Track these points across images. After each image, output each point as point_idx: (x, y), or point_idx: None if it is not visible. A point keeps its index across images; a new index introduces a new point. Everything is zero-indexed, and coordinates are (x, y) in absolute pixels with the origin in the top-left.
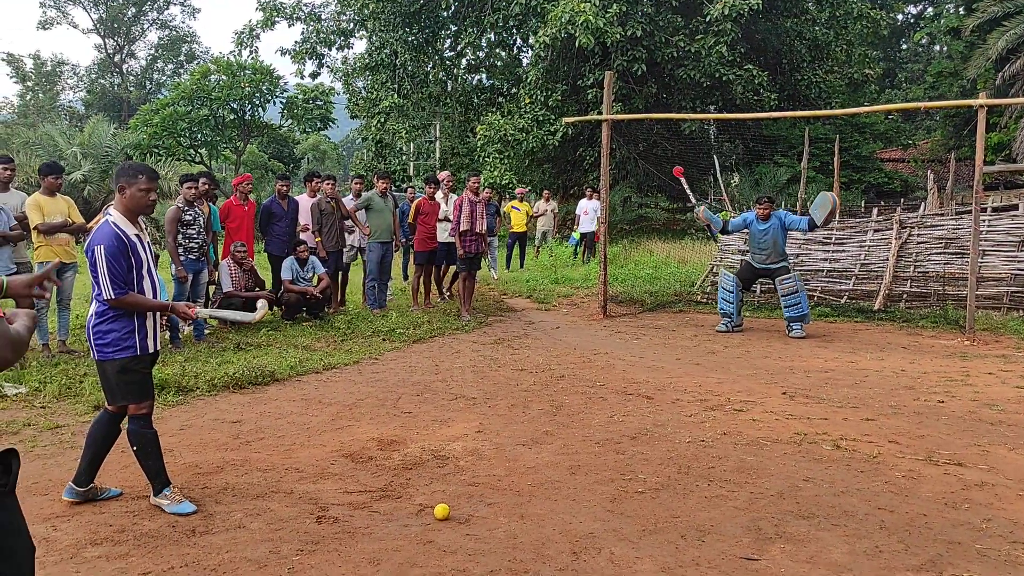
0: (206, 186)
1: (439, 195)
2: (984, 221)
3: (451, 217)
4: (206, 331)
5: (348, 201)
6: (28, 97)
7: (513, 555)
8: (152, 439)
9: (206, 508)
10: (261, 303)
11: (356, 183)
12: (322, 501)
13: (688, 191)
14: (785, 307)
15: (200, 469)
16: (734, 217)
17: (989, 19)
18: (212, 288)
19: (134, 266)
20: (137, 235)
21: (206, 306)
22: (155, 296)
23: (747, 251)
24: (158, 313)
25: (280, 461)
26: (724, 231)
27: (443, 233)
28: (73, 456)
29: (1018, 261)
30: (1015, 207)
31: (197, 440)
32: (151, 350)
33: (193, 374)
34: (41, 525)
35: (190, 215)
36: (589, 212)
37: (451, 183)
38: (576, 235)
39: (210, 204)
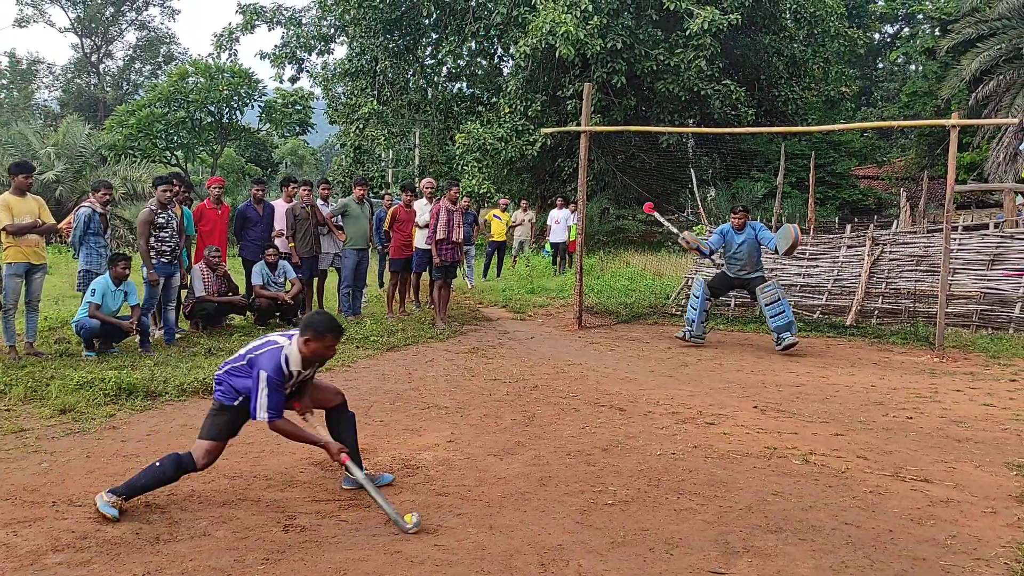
0: (178, 188)
1: (422, 201)
2: (955, 240)
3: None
4: (177, 335)
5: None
6: (2, 95)
7: (481, 566)
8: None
9: (171, 515)
10: (418, 524)
11: (323, 188)
12: (289, 509)
13: (666, 223)
14: (770, 317)
15: None
16: (709, 235)
17: (963, 40)
18: (184, 292)
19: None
20: (299, 371)
21: (178, 310)
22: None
23: (722, 264)
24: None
25: (248, 468)
26: (711, 254)
27: (420, 240)
28: (37, 460)
29: (988, 280)
30: (985, 226)
31: (164, 446)
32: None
33: (162, 379)
34: (1, 531)
35: (163, 218)
36: (560, 222)
37: (432, 190)
38: (548, 246)
39: (183, 207)
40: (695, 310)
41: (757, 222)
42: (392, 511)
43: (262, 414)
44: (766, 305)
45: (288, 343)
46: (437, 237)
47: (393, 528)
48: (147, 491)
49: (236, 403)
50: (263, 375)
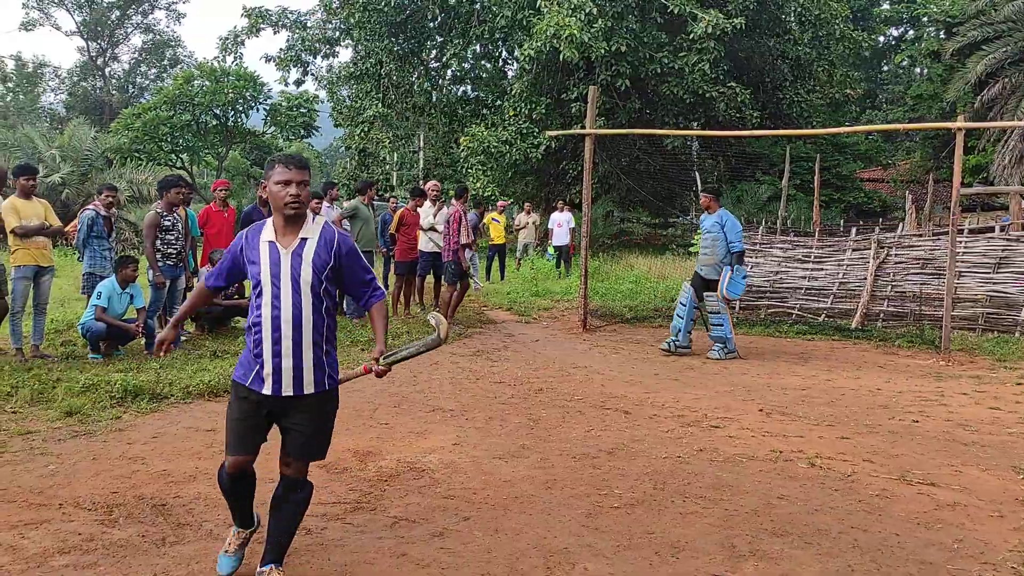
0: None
1: (427, 204)
2: (961, 243)
3: (438, 228)
4: (183, 338)
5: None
6: (8, 98)
7: (487, 569)
8: None
9: (177, 517)
10: (439, 321)
11: (332, 191)
12: None
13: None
14: (712, 325)
15: (172, 477)
16: None
17: (969, 43)
18: (190, 295)
19: None
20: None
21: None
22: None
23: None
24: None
25: None
26: None
27: (426, 243)
28: (43, 462)
29: (993, 283)
30: (991, 229)
31: (170, 448)
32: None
33: (168, 381)
34: (8, 533)
35: (169, 220)
36: (562, 224)
37: (437, 193)
38: (551, 249)
39: (186, 208)
40: (682, 318)
41: (729, 214)
42: (418, 345)
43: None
44: (708, 312)
45: None
46: (463, 242)
47: (398, 530)
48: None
49: None
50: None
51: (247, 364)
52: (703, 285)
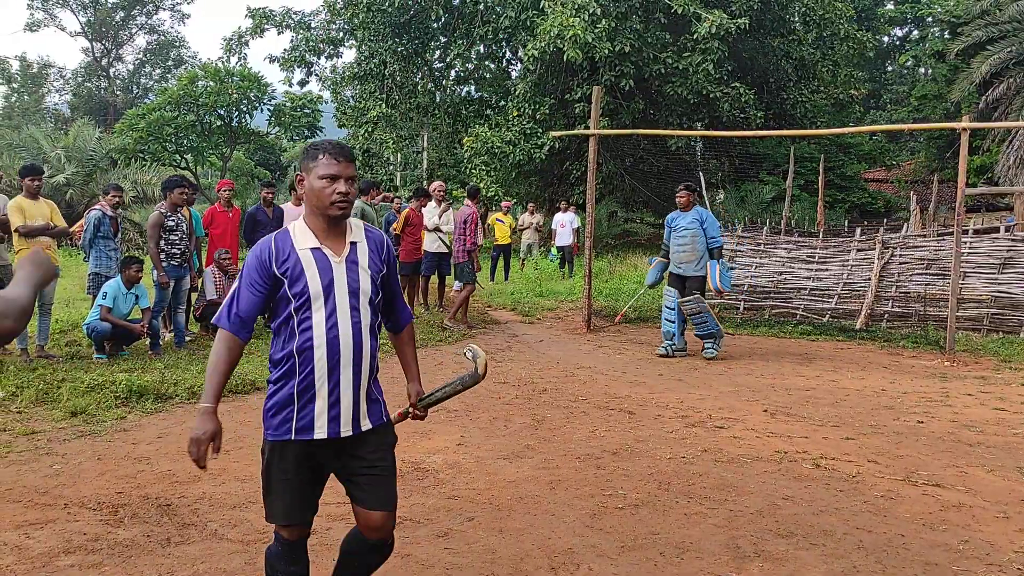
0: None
1: (431, 204)
2: (965, 243)
3: (443, 228)
4: (187, 338)
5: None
6: (13, 99)
7: (491, 570)
8: None
9: (182, 517)
10: (477, 354)
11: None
12: None
13: (632, 300)
14: (695, 325)
15: (177, 478)
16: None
17: (973, 43)
18: (195, 295)
19: None
20: (309, 245)
21: (188, 312)
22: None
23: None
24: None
25: (258, 471)
26: (666, 253)
27: (431, 244)
28: (48, 462)
29: (998, 283)
30: (996, 229)
31: (175, 448)
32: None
33: (173, 381)
34: (13, 532)
35: (172, 221)
36: (566, 225)
37: (442, 193)
38: (554, 250)
39: (190, 209)
40: (671, 322)
41: (706, 211)
42: (455, 383)
43: (218, 317)
44: (688, 315)
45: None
46: (477, 242)
47: (402, 531)
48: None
49: None
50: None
51: (285, 408)
52: (683, 285)
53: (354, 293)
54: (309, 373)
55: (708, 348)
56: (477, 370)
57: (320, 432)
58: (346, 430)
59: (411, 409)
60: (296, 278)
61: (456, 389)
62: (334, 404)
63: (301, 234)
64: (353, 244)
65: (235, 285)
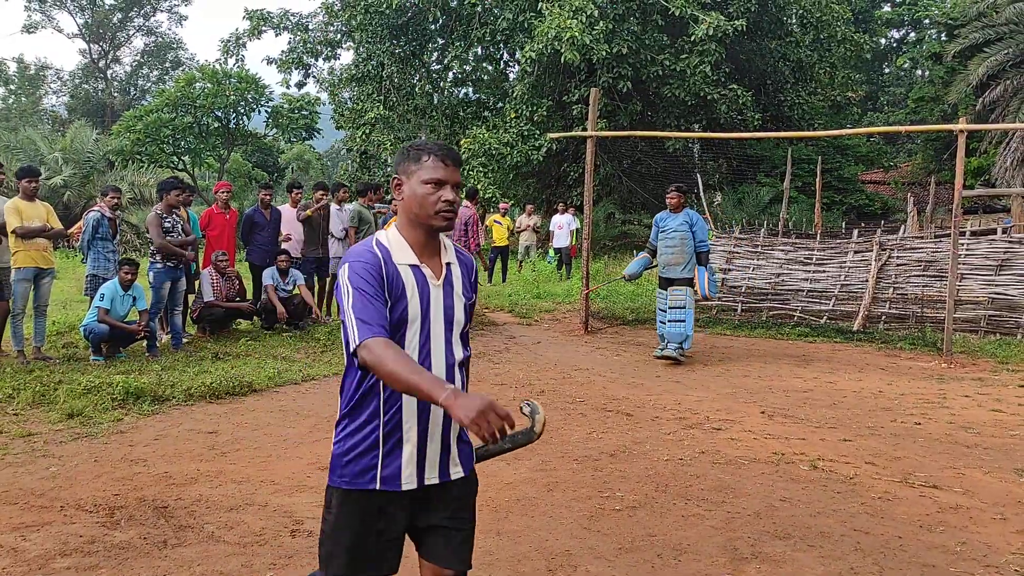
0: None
1: None
2: (963, 245)
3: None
4: (184, 340)
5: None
6: (10, 101)
7: (489, 572)
8: None
9: (179, 520)
10: (535, 410)
11: (343, 192)
12: (297, 515)
13: (612, 280)
14: (670, 320)
15: (174, 480)
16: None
17: (970, 45)
18: (192, 297)
19: None
20: (409, 262)
21: (184, 313)
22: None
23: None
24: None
25: (255, 473)
26: (652, 251)
27: None
28: (45, 464)
29: (996, 285)
30: (993, 231)
31: (172, 450)
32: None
33: (170, 383)
34: (10, 535)
35: (169, 222)
36: (563, 226)
37: None
38: (552, 251)
39: (187, 210)
40: (664, 324)
41: (696, 213)
42: (510, 440)
43: (352, 342)
44: (670, 308)
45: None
46: (480, 243)
47: None
48: None
49: None
50: (341, 275)
51: (362, 452)
52: (670, 286)
53: (448, 322)
54: (396, 412)
55: (670, 347)
56: (534, 428)
57: (408, 483)
58: (431, 478)
59: None
60: (398, 297)
61: (511, 447)
62: (421, 449)
63: (398, 247)
64: (447, 265)
65: (345, 310)
